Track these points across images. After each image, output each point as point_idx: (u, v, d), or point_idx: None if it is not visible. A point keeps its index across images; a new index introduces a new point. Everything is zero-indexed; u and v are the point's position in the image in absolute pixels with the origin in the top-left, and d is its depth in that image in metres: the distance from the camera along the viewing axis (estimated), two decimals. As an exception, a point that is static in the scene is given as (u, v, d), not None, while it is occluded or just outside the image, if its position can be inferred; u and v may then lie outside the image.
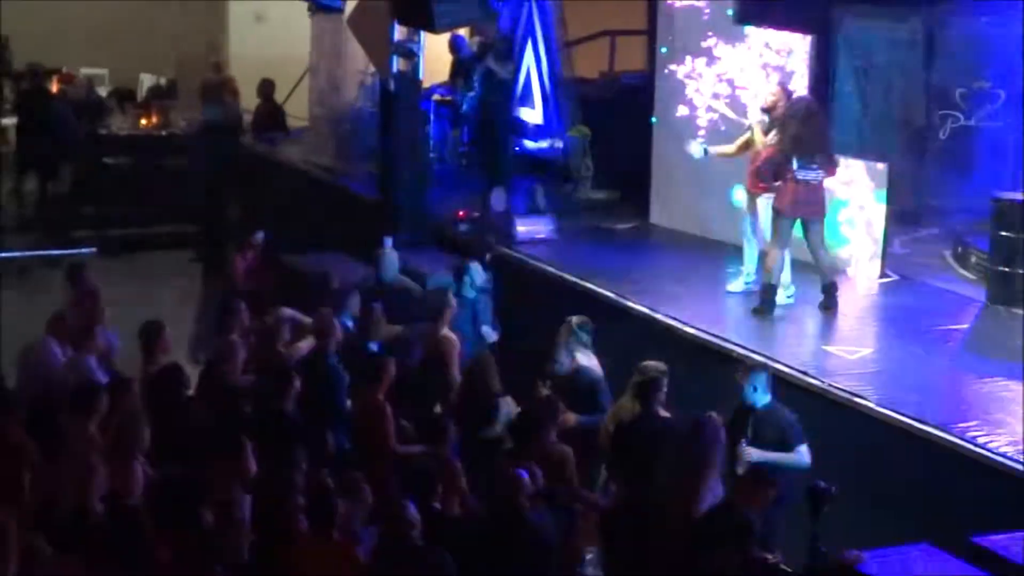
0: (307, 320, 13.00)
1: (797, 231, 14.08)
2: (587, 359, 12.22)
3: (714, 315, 14.10)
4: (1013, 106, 16.90)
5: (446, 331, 13.00)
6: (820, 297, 14.15)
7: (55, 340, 12.16)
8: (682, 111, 17.03)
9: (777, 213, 14.02)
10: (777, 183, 13.96)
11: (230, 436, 10.11)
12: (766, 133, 14.25)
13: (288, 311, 13.33)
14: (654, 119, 17.38)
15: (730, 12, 15.64)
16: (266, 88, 23.34)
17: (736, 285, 14.81)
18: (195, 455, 10.21)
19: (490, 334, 13.33)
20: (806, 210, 13.94)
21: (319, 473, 9.78)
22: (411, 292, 14.37)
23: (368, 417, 11.29)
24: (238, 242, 16.09)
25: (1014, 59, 16.77)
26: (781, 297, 14.14)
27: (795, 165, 13.74)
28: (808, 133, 13.86)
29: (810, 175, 13.79)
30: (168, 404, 10.96)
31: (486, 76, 18.62)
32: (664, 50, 17.31)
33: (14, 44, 25.12)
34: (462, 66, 19.61)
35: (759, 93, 15.19)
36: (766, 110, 14.30)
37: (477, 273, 13.90)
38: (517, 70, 19.68)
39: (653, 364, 11.46)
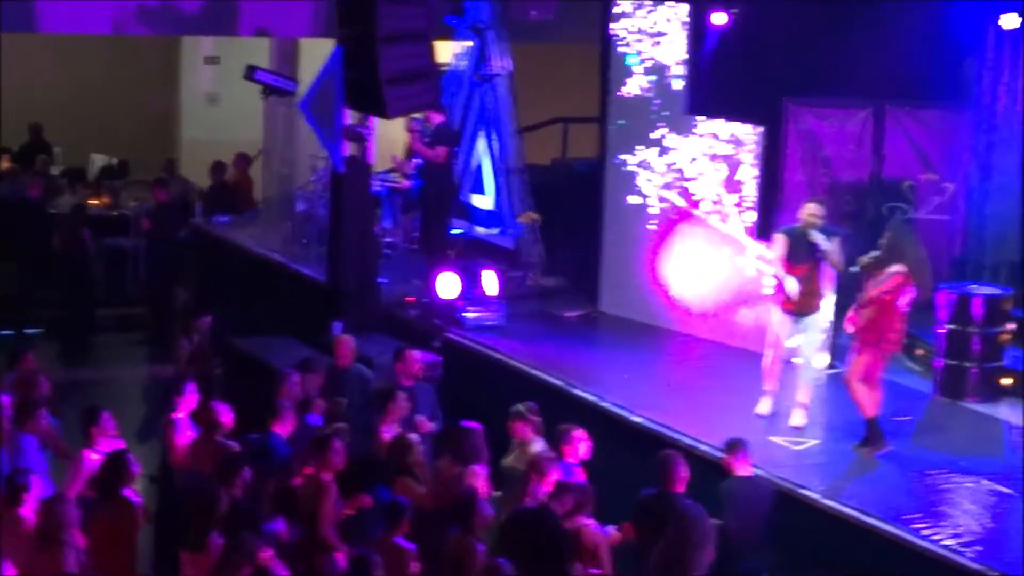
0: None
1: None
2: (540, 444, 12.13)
3: (661, 404, 14.06)
4: (961, 199, 17.02)
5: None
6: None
7: None
8: (633, 199, 17.09)
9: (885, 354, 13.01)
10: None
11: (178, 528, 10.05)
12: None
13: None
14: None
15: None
16: (218, 170, 23.32)
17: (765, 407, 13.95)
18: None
19: (425, 423, 12.95)
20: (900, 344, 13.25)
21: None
22: (368, 381, 14.14)
23: (311, 498, 11.11)
24: (184, 325, 15.95)
25: (962, 152, 16.91)
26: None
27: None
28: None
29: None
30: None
31: (426, 164, 18.45)
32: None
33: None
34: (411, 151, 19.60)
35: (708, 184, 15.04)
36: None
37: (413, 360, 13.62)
38: (468, 156, 19.68)
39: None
